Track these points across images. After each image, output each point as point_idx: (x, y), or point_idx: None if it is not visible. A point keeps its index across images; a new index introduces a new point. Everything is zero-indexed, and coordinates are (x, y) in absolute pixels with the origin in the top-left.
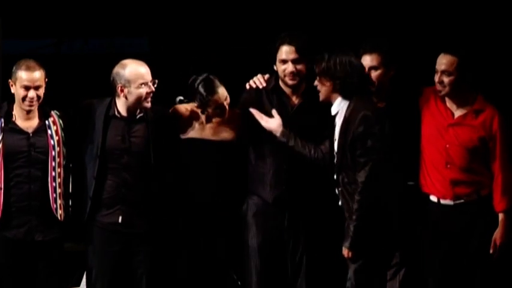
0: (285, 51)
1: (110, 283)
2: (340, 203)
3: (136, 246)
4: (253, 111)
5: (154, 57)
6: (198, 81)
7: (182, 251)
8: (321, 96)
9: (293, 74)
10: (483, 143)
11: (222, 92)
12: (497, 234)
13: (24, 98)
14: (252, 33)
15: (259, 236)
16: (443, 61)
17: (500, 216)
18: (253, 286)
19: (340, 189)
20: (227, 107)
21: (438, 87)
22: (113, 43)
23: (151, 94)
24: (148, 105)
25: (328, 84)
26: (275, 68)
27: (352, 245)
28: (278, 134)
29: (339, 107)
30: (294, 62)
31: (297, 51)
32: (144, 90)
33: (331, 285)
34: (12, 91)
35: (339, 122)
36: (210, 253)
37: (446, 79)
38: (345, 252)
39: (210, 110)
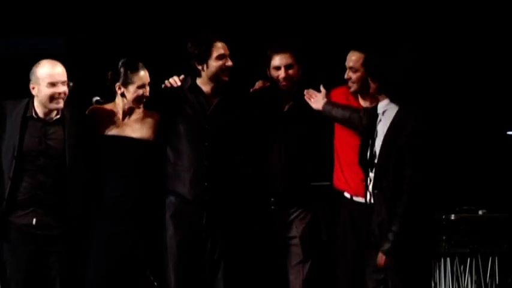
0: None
1: (24, 282)
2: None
3: (50, 246)
4: (306, 92)
5: (72, 57)
6: (121, 62)
7: (98, 252)
8: None
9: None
10: None
11: (145, 73)
12: None
13: None
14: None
15: (178, 235)
16: (351, 58)
17: None
18: (172, 286)
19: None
20: (147, 91)
21: (349, 84)
22: (33, 43)
23: (62, 95)
24: (59, 106)
25: None
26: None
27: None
28: (321, 108)
29: None
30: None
31: None
32: (52, 90)
33: (248, 285)
34: None
35: None
36: (128, 253)
37: (353, 75)
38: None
39: (130, 94)
